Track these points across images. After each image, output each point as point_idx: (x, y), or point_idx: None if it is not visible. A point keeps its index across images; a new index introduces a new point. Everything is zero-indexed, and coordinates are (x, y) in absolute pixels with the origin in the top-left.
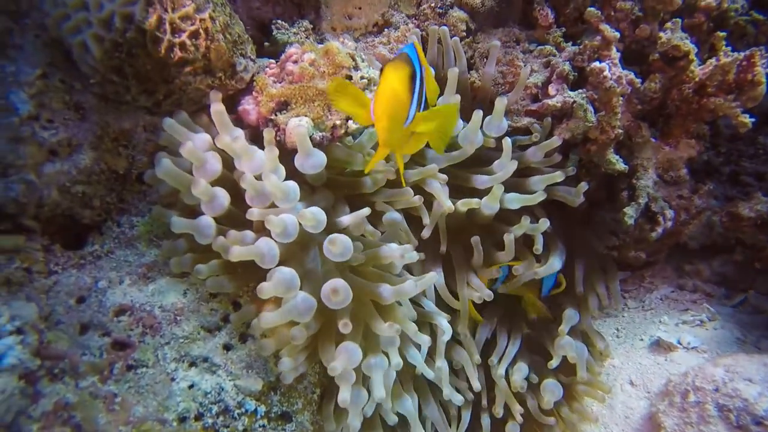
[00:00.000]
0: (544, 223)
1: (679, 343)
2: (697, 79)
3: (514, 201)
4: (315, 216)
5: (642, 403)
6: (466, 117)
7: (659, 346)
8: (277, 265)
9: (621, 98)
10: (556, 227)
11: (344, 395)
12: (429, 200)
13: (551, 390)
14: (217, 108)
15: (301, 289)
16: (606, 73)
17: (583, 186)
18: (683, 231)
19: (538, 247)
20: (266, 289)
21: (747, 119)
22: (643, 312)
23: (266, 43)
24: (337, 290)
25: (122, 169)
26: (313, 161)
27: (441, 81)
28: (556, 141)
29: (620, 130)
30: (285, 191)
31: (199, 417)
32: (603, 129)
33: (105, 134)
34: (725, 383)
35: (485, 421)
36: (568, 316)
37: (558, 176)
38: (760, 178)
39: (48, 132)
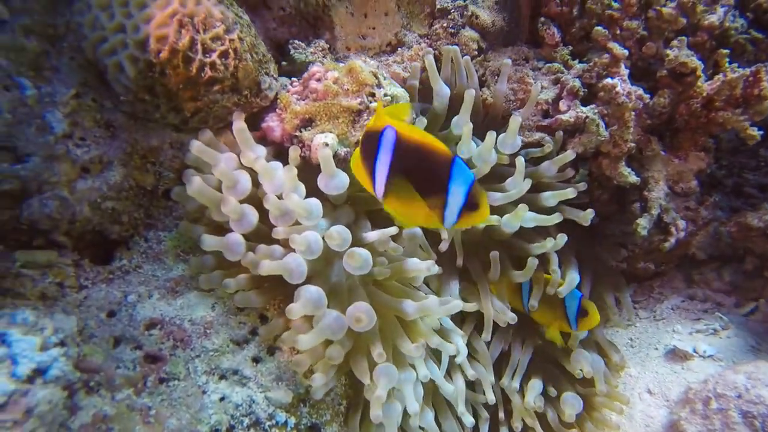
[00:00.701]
0: (562, 239)
1: (695, 351)
2: (704, 94)
3: (531, 220)
4: (341, 235)
5: (662, 411)
6: (479, 134)
7: (675, 354)
8: (304, 282)
9: (633, 113)
10: (568, 241)
11: (377, 412)
12: None
13: (571, 403)
14: (239, 126)
15: (328, 305)
16: (618, 89)
17: (591, 213)
18: (691, 242)
19: (555, 268)
20: (295, 309)
21: (755, 132)
22: (655, 322)
23: (283, 63)
24: (360, 318)
25: (150, 185)
26: (336, 182)
27: (456, 99)
28: (570, 155)
29: (632, 144)
30: (308, 209)
31: (230, 429)
32: (615, 143)
33: (134, 151)
34: (748, 390)
35: None
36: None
37: (570, 192)
38: (762, 189)
39: (81, 150)
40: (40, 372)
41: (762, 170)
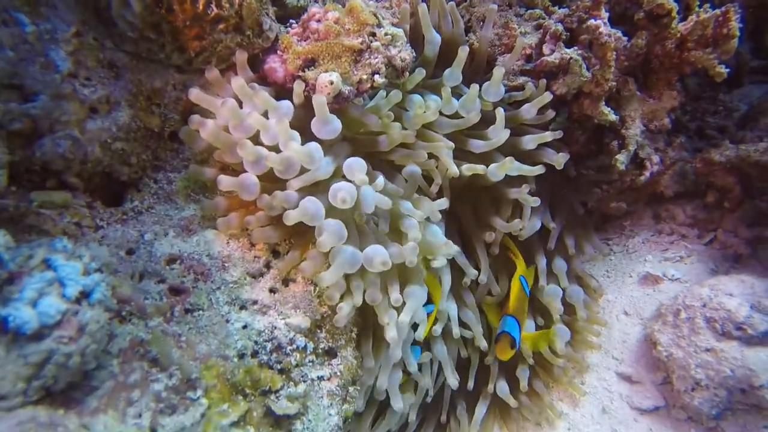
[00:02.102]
0: (535, 202)
1: (664, 275)
2: (678, 35)
3: (515, 170)
4: (349, 193)
5: (637, 328)
6: (465, 79)
7: (647, 279)
8: None
9: (614, 53)
10: (543, 184)
11: (392, 333)
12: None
13: (561, 335)
14: (239, 82)
15: None
16: (602, 29)
17: (565, 156)
18: (660, 180)
19: (524, 221)
20: (325, 242)
21: (723, 69)
22: (628, 255)
23: (274, 8)
24: (345, 199)
25: (156, 127)
26: (329, 128)
27: (442, 45)
28: (547, 96)
29: (613, 83)
30: (308, 154)
31: (255, 354)
32: (597, 82)
33: (139, 92)
34: (711, 299)
35: (494, 367)
36: (558, 267)
37: (547, 136)
38: (722, 131)
39: (88, 89)
40: (85, 294)
41: (721, 114)
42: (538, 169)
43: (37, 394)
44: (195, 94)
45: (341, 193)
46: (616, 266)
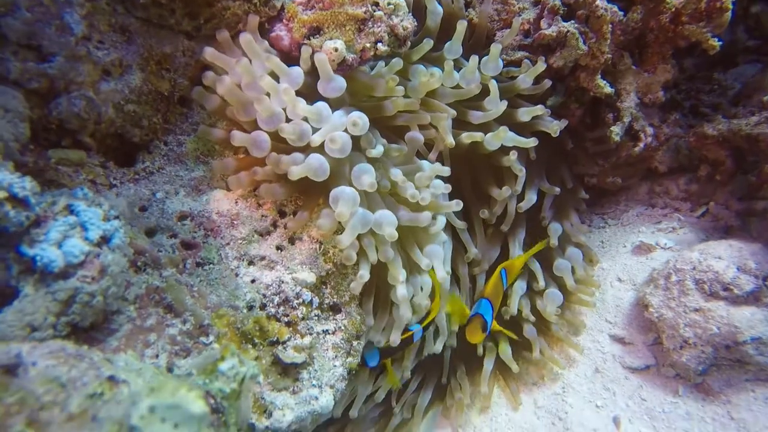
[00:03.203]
0: (520, 171)
1: (657, 244)
2: (673, 9)
3: (510, 141)
4: (359, 125)
5: (630, 294)
6: (464, 54)
7: (640, 248)
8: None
9: (610, 26)
10: (540, 155)
11: (402, 291)
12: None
13: (552, 299)
14: (246, 38)
15: None
16: (598, 2)
17: (563, 123)
18: (654, 156)
19: (517, 188)
20: (343, 211)
21: (716, 42)
22: (622, 227)
23: None
24: (356, 122)
25: (166, 91)
26: (334, 85)
27: (443, 18)
28: (540, 65)
29: (609, 55)
30: (317, 112)
31: (263, 307)
32: (593, 55)
33: (150, 57)
34: (700, 262)
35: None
36: (554, 230)
37: (539, 109)
38: (715, 108)
39: (101, 52)
40: (105, 239)
41: (715, 92)
42: (531, 141)
43: (65, 329)
44: (210, 53)
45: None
46: (611, 237)
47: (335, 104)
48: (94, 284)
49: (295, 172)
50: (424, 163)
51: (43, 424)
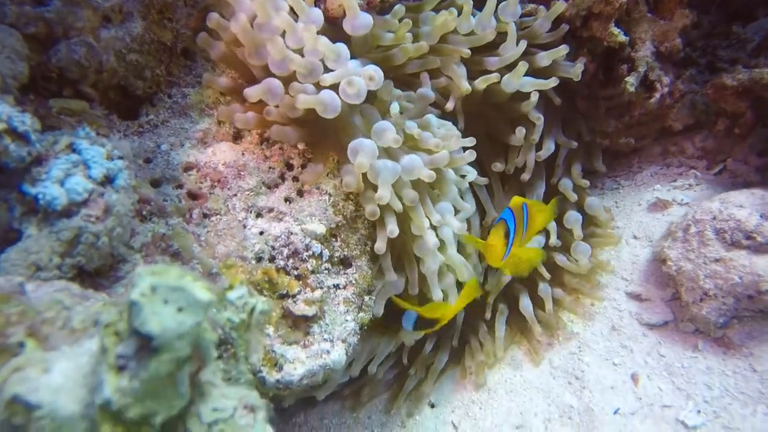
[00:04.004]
0: (539, 119)
1: (674, 200)
2: None
3: (527, 84)
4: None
5: (646, 250)
6: (479, 4)
7: (656, 205)
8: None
9: None
10: (555, 111)
11: (431, 239)
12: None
13: (582, 250)
14: None
15: None
16: None
17: (582, 61)
18: (668, 114)
19: (535, 137)
20: (363, 162)
21: None
22: (636, 187)
23: None
24: (372, 76)
25: (169, 41)
26: (361, 21)
27: None
28: (560, 5)
29: (623, 0)
30: (336, 51)
31: (272, 259)
32: (608, 0)
33: (151, 5)
34: (721, 211)
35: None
36: (564, 186)
37: (563, 49)
38: (733, 63)
39: None
40: (109, 179)
41: (733, 46)
42: (552, 81)
43: (71, 271)
44: None
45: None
46: (625, 197)
47: (355, 45)
48: (98, 224)
49: (303, 100)
50: (431, 117)
51: (42, 336)
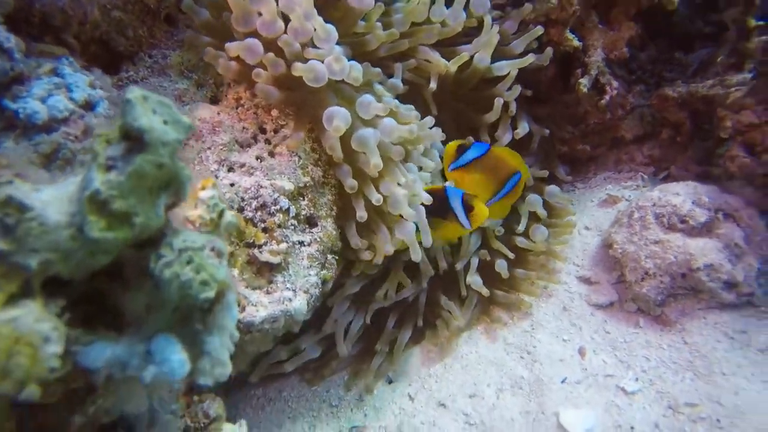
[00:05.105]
0: (517, 89)
1: (622, 197)
2: None
3: (505, 66)
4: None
5: (596, 239)
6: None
7: (606, 201)
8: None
9: None
10: (522, 103)
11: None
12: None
13: (540, 232)
14: None
15: None
16: None
17: (549, 51)
18: (620, 125)
19: (512, 109)
20: (340, 126)
21: (675, 1)
22: (590, 189)
23: None
24: (339, 59)
25: (153, 4)
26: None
27: None
28: (528, 7)
29: (577, 7)
30: (328, 32)
31: (241, 210)
32: (563, 7)
33: None
34: (660, 198)
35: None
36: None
37: (538, 30)
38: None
39: None
40: (90, 105)
41: (676, 70)
42: (529, 58)
43: None
44: None
45: (338, 62)
46: (580, 197)
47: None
48: (77, 143)
49: (298, 68)
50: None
51: (31, 181)
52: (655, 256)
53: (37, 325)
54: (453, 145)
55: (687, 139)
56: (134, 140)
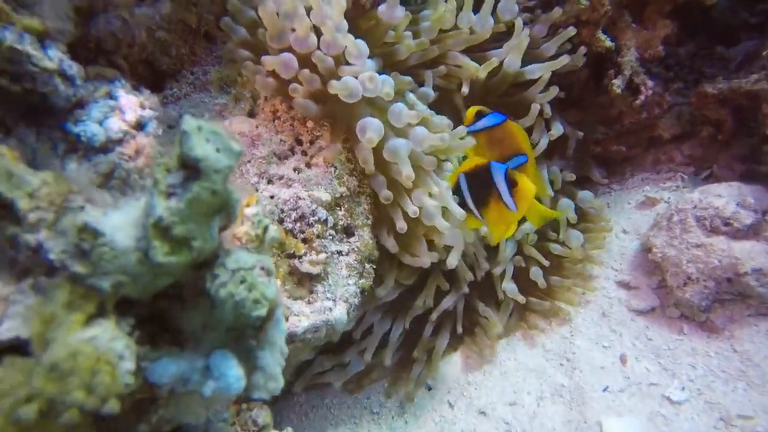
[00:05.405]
0: (553, 91)
1: (661, 198)
2: None
3: (537, 69)
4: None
5: (634, 243)
6: (477, 7)
7: (644, 203)
8: None
9: None
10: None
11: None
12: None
13: (576, 237)
14: None
15: None
16: None
17: (583, 50)
18: (657, 124)
19: (548, 112)
20: (373, 137)
21: None
22: (627, 190)
23: None
24: (373, 78)
25: (193, 23)
26: (399, 12)
27: None
28: (557, 11)
29: (609, 7)
30: (359, 48)
31: (281, 221)
32: (594, 7)
33: None
34: (701, 200)
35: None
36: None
37: (571, 31)
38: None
39: None
40: (141, 125)
41: (717, 65)
42: (563, 59)
43: None
44: None
45: (371, 79)
46: (616, 199)
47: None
48: (130, 162)
49: (335, 85)
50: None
51: (99, 206)
52: (698, 260)
53: (112, 343)
54: (473, 109)
55: (729, 137)
56: (191, 168)
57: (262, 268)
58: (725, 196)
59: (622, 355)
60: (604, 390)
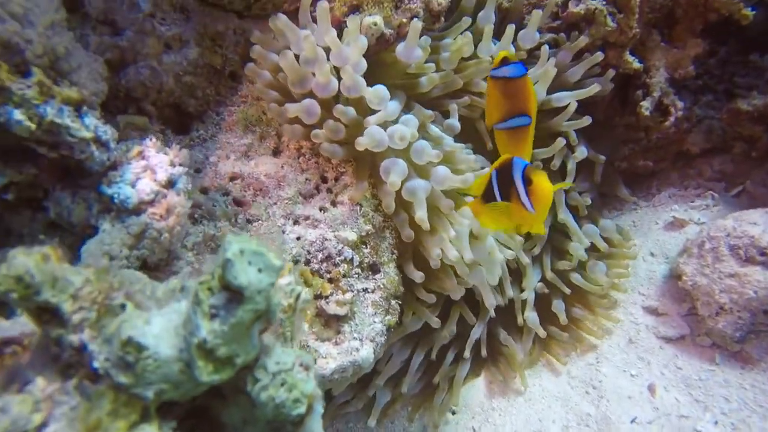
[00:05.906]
0: (583, 121)
1: (690, 219)
2: None
3: (565, 97)
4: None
5: (663, 267)
6: (497, 35)
7: (673, 224)
8: None
9: (638, 1)
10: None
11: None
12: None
13: (598, 269)
14: (323, 6)
15: None
16: None
17: (611, 73)
18: (686, 138)
19: (574, 139)
20: (396, 180)
21: (749, 12)
22: (654, 208)
23: None
24: (403, 137)
25: (218, 65)
26: (418, 52)
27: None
28: (583, 39)
29: (637, 30)
30: (379, 96)
31: (308, 262)
32: (622, 30)
33: (205, 33)
34: (735, 228)
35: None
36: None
37: (598, 56)
38: (750, 89)
39: (164, 27)
40: (171, 183)
41: (751, 75)
42: (593, 88)
43: (136, 262)
44: (282, 21)
45: (398, 132)
46: (642, 217)
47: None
48: (161, 222)
49: (362, 143)
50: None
51: (136, 302)
52: (731, 290)
53: None
54: (501, 54)
55: (763, 154)
56: (234, 292)
57: (301, 365)
58: (761, 224)
59: (650, 385)
60: (632, 421)
